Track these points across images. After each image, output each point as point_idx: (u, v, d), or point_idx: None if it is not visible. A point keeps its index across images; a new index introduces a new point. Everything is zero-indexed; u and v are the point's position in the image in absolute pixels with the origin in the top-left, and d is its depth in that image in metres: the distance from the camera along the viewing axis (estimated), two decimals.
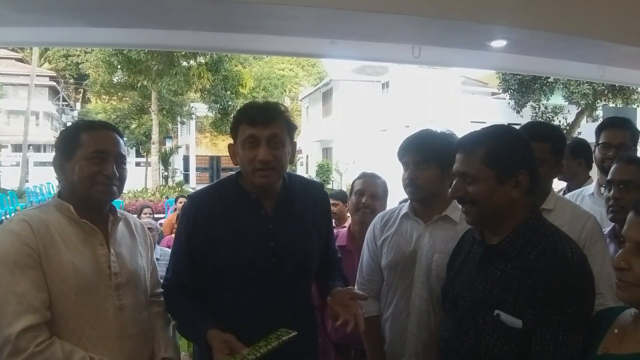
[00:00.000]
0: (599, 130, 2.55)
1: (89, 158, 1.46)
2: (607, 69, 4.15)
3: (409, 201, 1.99)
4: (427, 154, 1.79)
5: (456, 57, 3.78)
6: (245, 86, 21.36)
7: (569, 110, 15.32)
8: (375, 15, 2.51)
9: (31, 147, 25.98)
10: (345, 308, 1.52)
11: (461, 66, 7.17)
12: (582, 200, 2.48)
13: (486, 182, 1.35)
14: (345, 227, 2.78)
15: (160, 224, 6.35)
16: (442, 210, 1.85)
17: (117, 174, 1.50)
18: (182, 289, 1.64)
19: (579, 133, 14.49)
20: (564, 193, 3.15)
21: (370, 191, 2.39)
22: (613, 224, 2.06)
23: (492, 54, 3.20)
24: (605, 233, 2.03)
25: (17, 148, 29.47)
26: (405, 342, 1.87)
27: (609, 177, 2.03)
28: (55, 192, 1.60)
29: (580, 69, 4.26)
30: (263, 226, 1.62)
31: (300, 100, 29.64)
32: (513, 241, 1.35)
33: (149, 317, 1.63)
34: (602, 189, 2.28)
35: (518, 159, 1.37)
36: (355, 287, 2.08)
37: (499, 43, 2.95)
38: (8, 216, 9.81)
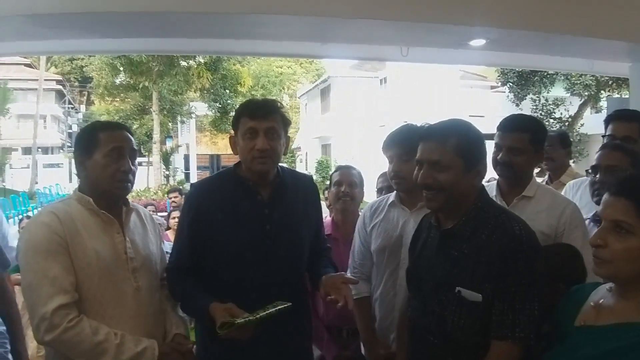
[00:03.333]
0: (606, 122, 2.57)
1: (108, 155, 1.63)
2: (595, 62, 4.21)
3: (395, 191, 2.17)
4: (408, 148, 1.87)
5: (441, 56, 3.92)
6: (244, 85, 21.40)
7: (570, 102, 15.01)
8: (364, 21, 2.67)
9: (40, 150, 26.20)
10: (336, 290, 1.67)
11: (446, 63, 7.31)
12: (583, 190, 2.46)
13: (456, 170, 1.44)
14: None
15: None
16: None
17: (132, 169, 1.68)
18: (185, 272, 1.79)
19: (582, 125, 14.34)
20: (547, 182, 3.30)
21: (347, 181, 2.56)
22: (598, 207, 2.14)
23: (473, 51, 3.35)
24: (590, 216, 2.08)
25: (26, 151, 29.69)
26: (394, 320, 2.03)
27: (595, 163, 2.09)
28: (75, 187, 1.76)
29: (567, 62, 4.30)
30: (259, 211, 1.78)
31: (298, 97, 29.67)
32: (465, 224, 1.46)
33: (160, 298, 1.80)
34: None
35: (481, 150, 1.49)
36: (348, 271, 2.26)
37: (478, 42, 3.10)
38: (21, 217, 10.14)
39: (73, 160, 1.73)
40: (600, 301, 1.24)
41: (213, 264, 1.78)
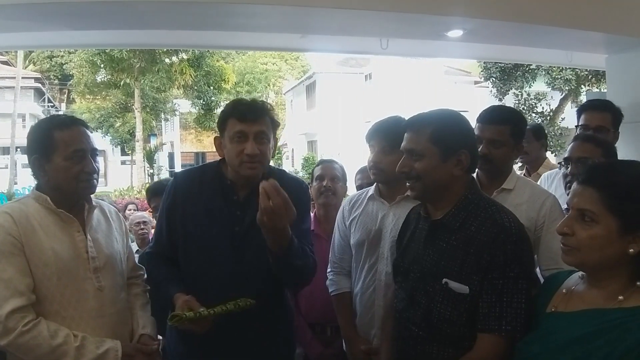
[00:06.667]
0: (579, 112, 2.59)
1: (70, 158, 1.57)
2: (574, 54, 4.23)
3: (375, 184, 2.14)
4: (392, 140, 1.86)
5: (420, 48, 3.89)
6: (228, 81, 21.27)
7: (552, 97, 15.32)
8: (343, 11, 2.63)
9: (19, 150, 25.81)
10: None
11: (426, 56, 7.28)
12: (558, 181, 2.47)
13: (431, 159, 1.44)
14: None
15: None
16: (405, 191, 1.96)
17: (96, 169, 1.63)
18: (161, 258, 1.80)
19: (563, 119, 14.58)
20: (525, 176, 3.30)
21: (329, 175, 2.49)
22: None
23: (452, 43, 3.34)
24: (565, 209, 2.16)
25: (4, 151, 29.15)
26: (374, 315, 2.01)
27: (566, 155, 2.09)
28: (33, 186, 1.70)
29: (546, 54, 4.30)
30: (232, 211, 1.73)
31: (284, 94, 29.56)
32: (455, 215, 1.44)
33: (127, 297, 1.75)
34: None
35: (460, 139, 1.46)
36: (329, 266, 2.23)
37: (455, 33, 3.05)
38: None
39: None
40: (572, 288, 1.27)
41: (182, 254, 1.77)
